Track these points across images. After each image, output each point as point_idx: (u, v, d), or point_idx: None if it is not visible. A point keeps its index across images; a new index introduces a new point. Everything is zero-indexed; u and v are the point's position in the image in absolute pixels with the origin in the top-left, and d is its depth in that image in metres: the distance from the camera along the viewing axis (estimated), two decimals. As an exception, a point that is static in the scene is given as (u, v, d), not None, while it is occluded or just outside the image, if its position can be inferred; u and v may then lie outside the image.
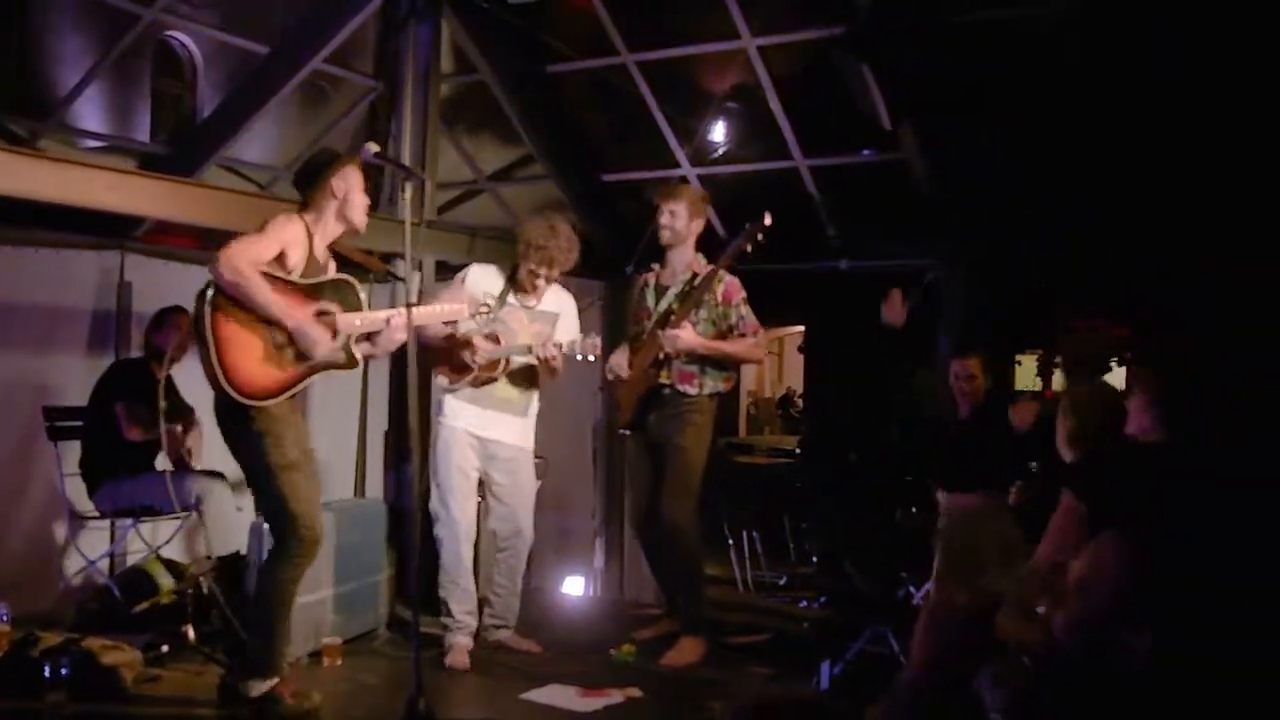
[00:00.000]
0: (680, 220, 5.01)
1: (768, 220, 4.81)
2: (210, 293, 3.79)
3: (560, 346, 4.66)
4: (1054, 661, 1.84)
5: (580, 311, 5.13)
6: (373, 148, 4.04)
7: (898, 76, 5.24)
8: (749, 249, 4.87)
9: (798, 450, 9.69)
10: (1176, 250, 6.21)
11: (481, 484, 4.96)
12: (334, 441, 6.76)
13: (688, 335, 4.82)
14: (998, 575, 3.63)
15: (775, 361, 16.82)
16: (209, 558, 5.11)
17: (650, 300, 5.15)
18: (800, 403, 13.26)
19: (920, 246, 6.30)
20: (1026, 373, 11.58)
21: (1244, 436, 2.79)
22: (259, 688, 3.96)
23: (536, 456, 5.26)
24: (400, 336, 4.04)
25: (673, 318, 4.94)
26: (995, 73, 5.80)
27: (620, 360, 5.19)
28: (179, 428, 5.37)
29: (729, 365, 5.02)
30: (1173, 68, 5.38)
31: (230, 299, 3.79)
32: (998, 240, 6.22)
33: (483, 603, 4.98)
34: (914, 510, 5.56)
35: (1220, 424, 2.76)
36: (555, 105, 7.11)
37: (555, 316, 4.92)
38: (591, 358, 4.67)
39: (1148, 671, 1.72)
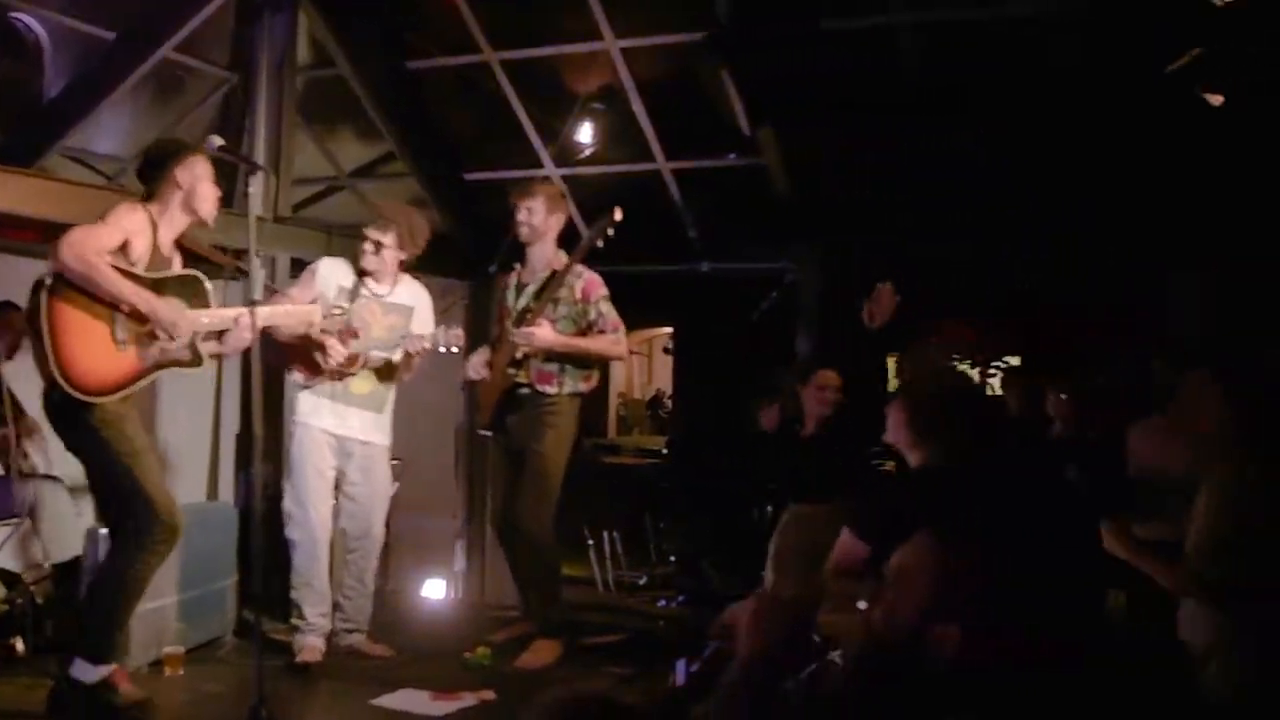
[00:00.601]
0: (538, 216, 4.99)
1: (617, 215, 4.83)
2: (50, 281, 3.65)
3: (424, 339, 4.62)
4: (870, 656, 1.88)
5: (443, 312, 5.08)
6: (216, 140, 3.94)
7: (757, 81, 5.32)
8: (600, 244, 4.88)
9: (665, 451, 9.76)
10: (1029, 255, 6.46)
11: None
12: (187, 442, 6.54)
13: (542, 333, 4.80)
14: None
15: (645, 363, 16.89)
16: (44, 565, 4.89)
17: (510, 299, 5.13)
18: (669, 404, 13.33)
19: (779, 249, 6.41)
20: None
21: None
22: (93, 674, 3.80)
23: (394, 458, 5.18)
24: (249, 335, 3.94)
25: (528, 315, 4.92)
26: (855, 77, 5.95)
27: (479, 360, 5.15)
28: (10, 431, 5.12)
29: (590, 364, 5.02)
30: (1008, 78, 5.60)
31: (73, 289, 3.65)
32: (854, 243, 6.36)
33: (334, 606, 4.88)
34: (770, 510, 5.65)
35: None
36: (418, 102, 7.02)
37: (410, 310, 4.87)
38: (455, 349, 4.63)
39: (956, 664, 1.77)
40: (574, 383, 4.97)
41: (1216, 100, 4.79)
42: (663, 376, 15.74)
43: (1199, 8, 4.52)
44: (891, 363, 11.24)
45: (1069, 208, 6.16)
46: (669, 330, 12.24)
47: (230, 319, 3.99)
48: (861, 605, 1.91)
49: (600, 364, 5.18)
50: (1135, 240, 6.18)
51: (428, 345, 4.63)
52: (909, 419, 3.02)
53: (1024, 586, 1.79)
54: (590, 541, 6.82)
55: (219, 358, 4.32)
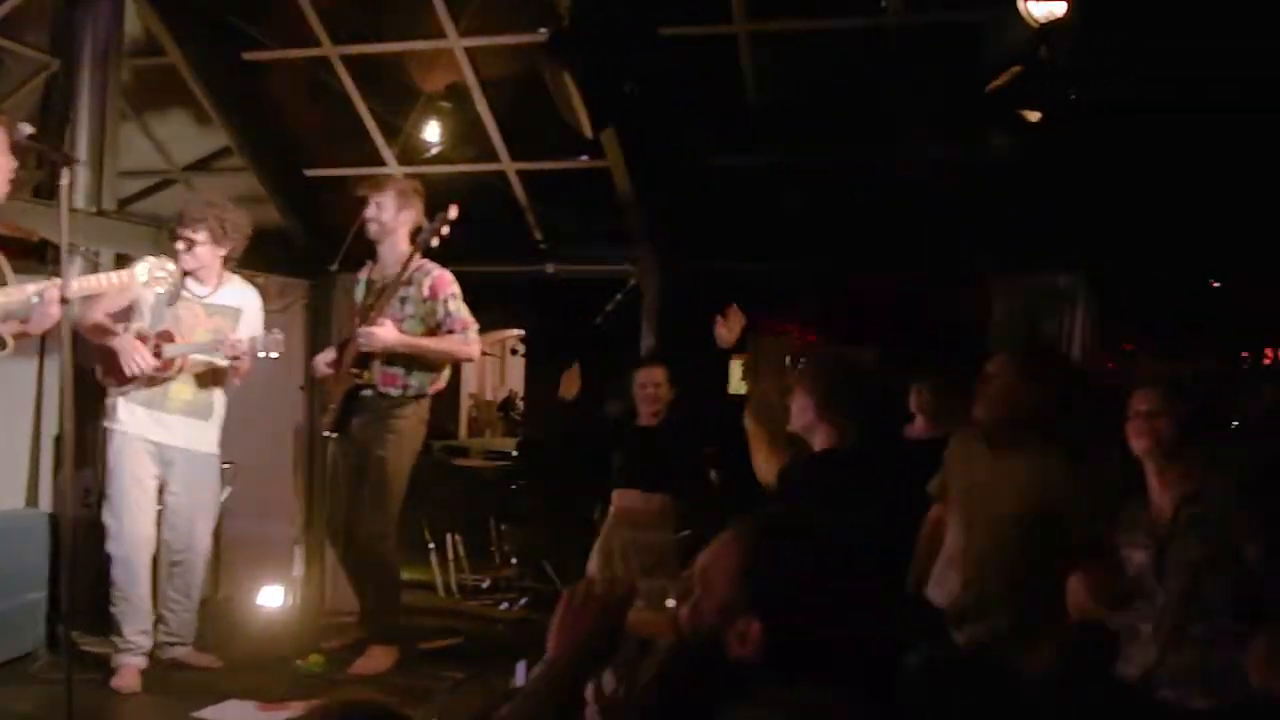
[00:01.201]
0: (387, 212, 4.91)
1: (452, 214, 4.79)
2: None
3: (241, 343, 4.46)
4: (679, 656, 1.89)
5: (281, 311, 4.94)
6: (26, 129, 3.75)
7: (600, 83, 5.33)
8: (434, 243, 4.82)
9: (515, 453, 9.70)
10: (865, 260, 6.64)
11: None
12: (6, 445, 6.19)
13: (383, 332, 4.71)
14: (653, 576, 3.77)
15: (498, 364, 16.77)
16: None
17: (361, 295, 5.03)
18: (521, 405, 13.26)
19: (623, 252, 6.44)
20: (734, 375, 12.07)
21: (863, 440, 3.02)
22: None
23: (225, 462, 5.01)
24: (55, 312, 3.74)
25: (371, 314, 4.82)
26: (699, 84, 6.03)
27: (323, 359, 5.04)
28: None
29: (437, 364, 4.94)
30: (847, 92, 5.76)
31: None
32: (699, 246, 6.44)
33: (158, 619, 4.69)
34: (609, 510, 5.67)
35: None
36: (256, 95, 6.80)
37: (237, 312, 4.70)
38: (274, 354, 4.49)
39: (760, 660, 1.79)
40: (420, 384, 4.89)
41: (1034, 117, 5.01)
42: (516, 378, 15.65)
43: (1019, 26, 4.71)
44: (736, 364, 11.39)
45: (903, 210, 6.37)
46: (519, 332, 12.19)
47: (29, 295, 3.78)
48: (670, 603, 1.92)
49: (449, 365, 5.11)
50: (966, 241, 6.43)
51: (245, 350, 4.46)
52: (811, 401, 3.07)
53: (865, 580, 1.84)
54: (432, 545, 6.72)
55: (23, 337, 4.07)
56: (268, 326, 4.74)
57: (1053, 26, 4.71)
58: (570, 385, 5.30)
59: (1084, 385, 3.58)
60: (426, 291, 4.84)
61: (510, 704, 1.93)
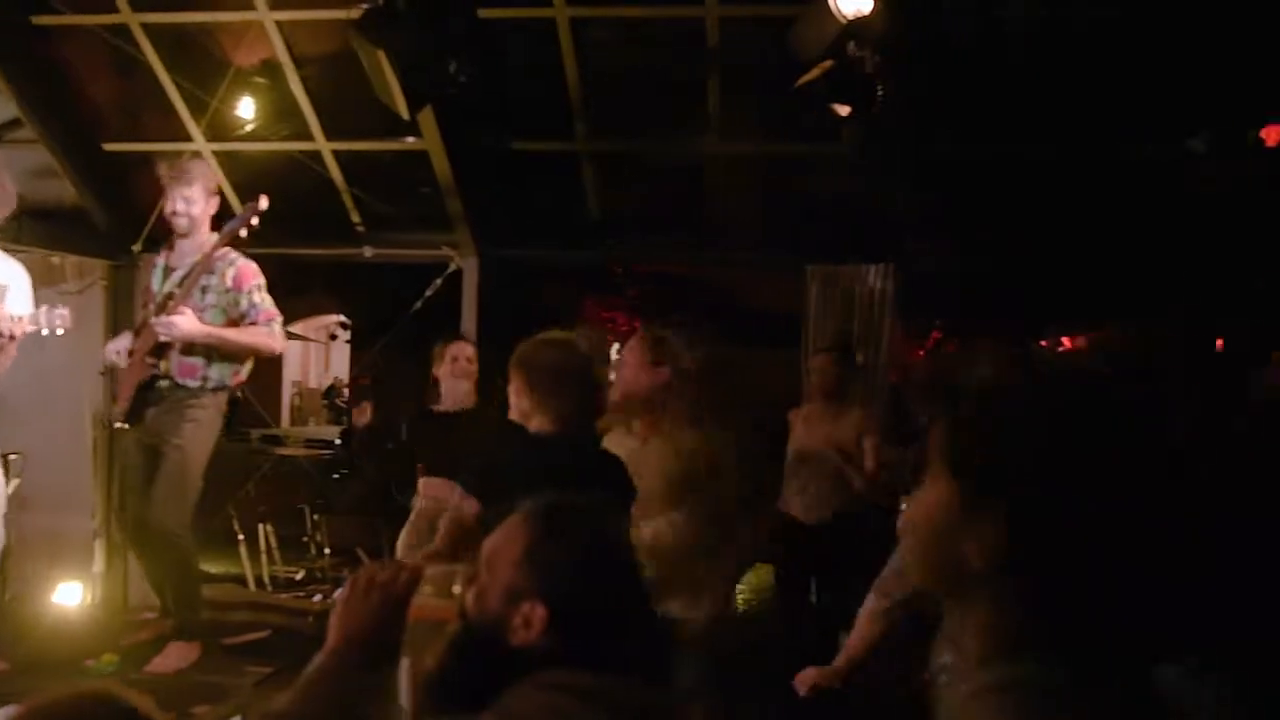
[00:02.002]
0: (197, 207, 4.70)
1: (263, 204, 4.61)
2: None
3: (20, 320, 4.17)
4: (464, 641, 1.87)
5: (78, 293, 4.66)
6: None
7: (416, 63, 5.23)
8: (243, 233, 4.64)
9: (339, 441, 9.46)
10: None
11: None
12: None
13: (184, 322, 4.51)
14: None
15: (322, 350, 16.34)
16: None
17: (156, 282, 4.79)
18: (345, 393, 12.96)
19: (441, 237, 6.35)
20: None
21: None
22: None
23: (10, 453, 4.71)
24: None
25: (170, 303, 4.61)
26: (519, 68, 5.99)
27: (118, 346, 4.79)
28: None
29: (239, 356, 4.75)
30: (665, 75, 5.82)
31: None
32: (520, 231, 6.41)
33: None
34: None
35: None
36: (50, 62, 6.41)
37: (3, 289, 4.40)
38: (60, 330, 4.22)
39: (544, 644, 1.79)
40: (220, 376, 4.70)
41: (844, 111, 5.16)
42: (341, 365, 15.28)
43: (829, 21, 4.84)
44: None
45: (724, 201, 6.49)
46: (344, 318, 11.89)
47: None
48: (456, 589, 1.90)
49: (251, 357, 4.92)
50: (785, 232, 6.59)
51: (26, 328, 4.17)
52: (526, 386, 3.07)
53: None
54: (241, 537, 6.49)
55: None
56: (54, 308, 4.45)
57: (861, 23, 4.86)
58: (361, 416, 5.16)
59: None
60: (230, 282, 4.65)
61: (287, 696, 1.87)
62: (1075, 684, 1.06)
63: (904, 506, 3.05)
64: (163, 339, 4.54)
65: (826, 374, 5.18)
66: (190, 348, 4.60)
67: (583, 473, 3.07)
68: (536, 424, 3.11)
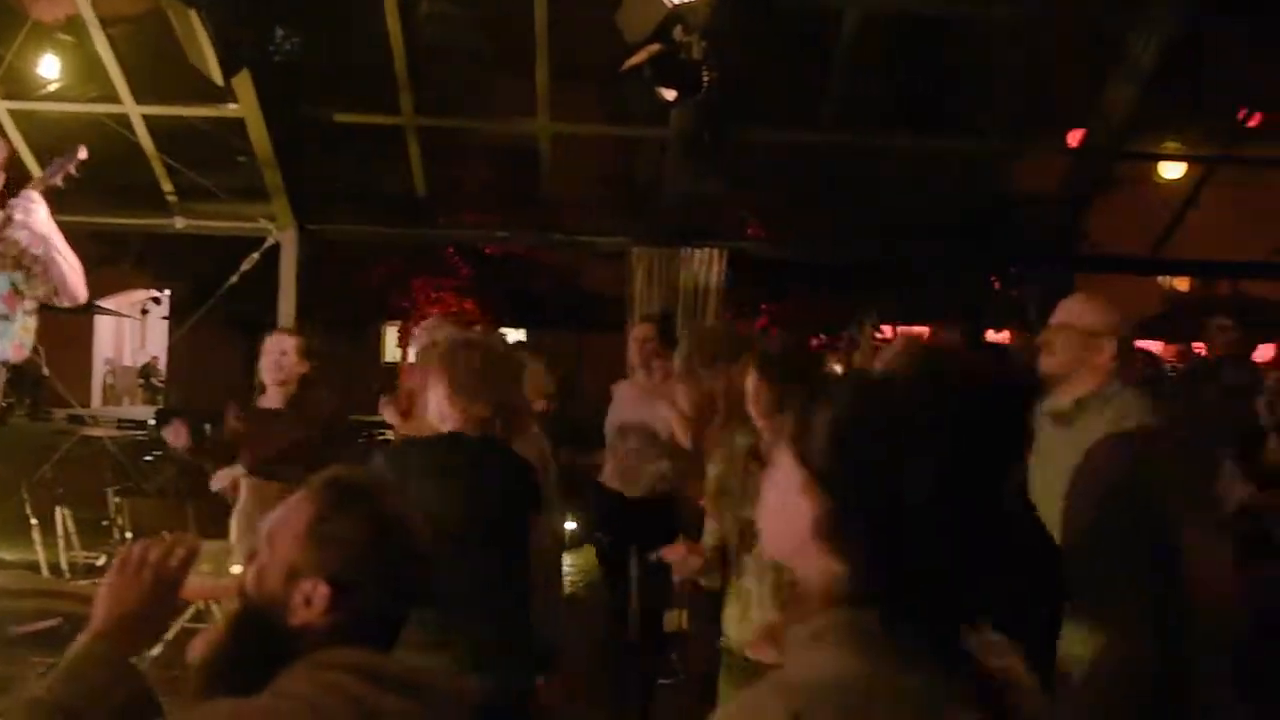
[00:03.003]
0: None
1: (82, 154, 4.30)
2: None
3: None
4: (244, 620, 1.80)
5: None
6: None
7: (232, 26, 5.01)
8: (59, 183, 4.33)
9: (152, 421, 9.05)
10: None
11: None
12: None
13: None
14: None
15: (138, 327, 15.60)
16: None
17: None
18: (162, 371, 12.44)
19: (259, 209, 6.11)
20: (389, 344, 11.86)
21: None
22: None
23: None
24: None
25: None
26: (340, 33, 5.81)
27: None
28: None
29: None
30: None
31: None
32: (343, 206, 6.24)
33: None
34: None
35: None
36: None
37: None
38: None
39: (326, 623, 1.74)
40: (-6, 350, 4.38)
41: (670, 95, 5.18)
42: (158, 342, 14.61)
43: (655, 5, 4.85)
44: (391, 330, 11.21)
45: (558, 184, 6.45)
46: (158, 293, 11.39)
47: None
48: (236, 569, 1.82)
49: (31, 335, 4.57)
50: (614, 216, 6.60)
51: None
52: (448, 388, 3.00)
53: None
54: (35, 521, 6.12)
55: None
56: None
57: (687, 8, 4.89)
58: (178, 436, 4.80)
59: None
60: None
61: (47, 681, 1.76)
62: (886, 629, 1.17)
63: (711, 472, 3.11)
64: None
65: (647, 344, 5.10)
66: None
67: (485, 475, 3.03)
68: (451, 425, 3.04)
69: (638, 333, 5.23)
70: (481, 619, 2.83)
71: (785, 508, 1.27)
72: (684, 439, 4.36)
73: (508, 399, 3.22)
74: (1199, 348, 5.17)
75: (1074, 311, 2.88)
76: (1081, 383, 2.82)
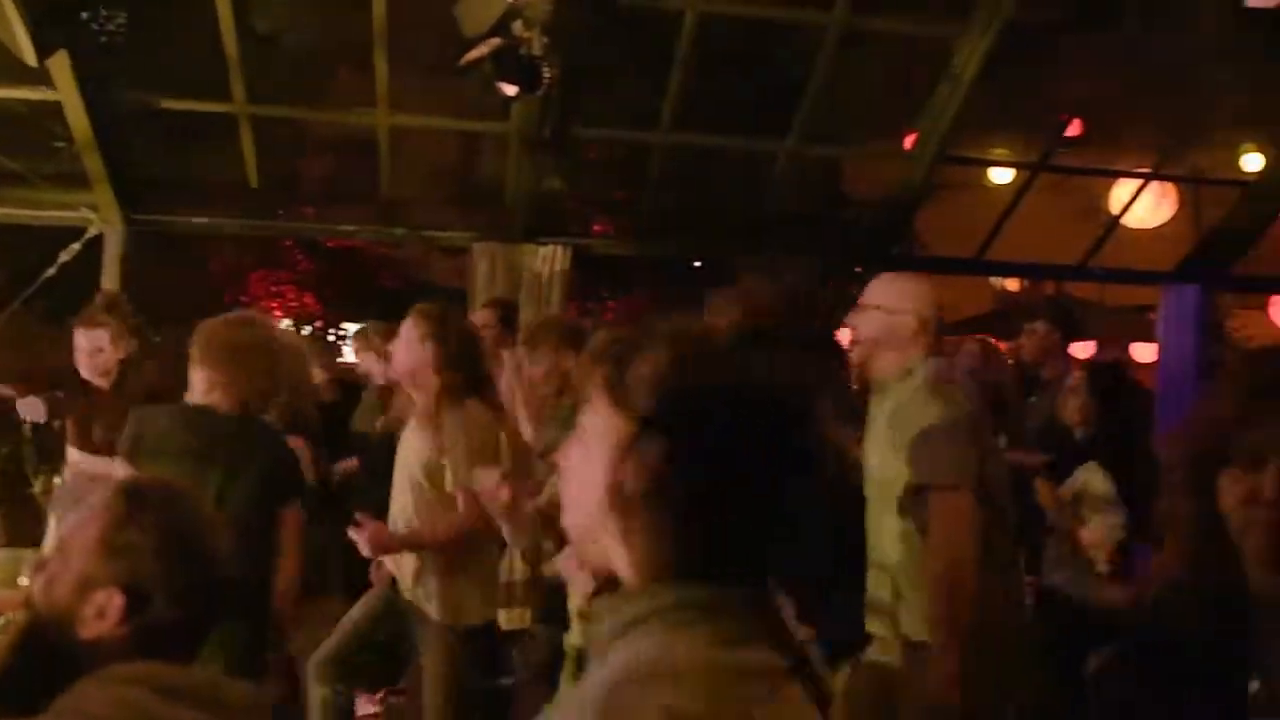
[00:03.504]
0: None
1: None
2: None
3: None
4: (28, 632, 1.73)
5: None
6: None
7: (46, 5, 4.76)
8: None
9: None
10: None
11: None
12: None
13: None
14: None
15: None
16: None
17: None
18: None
19: (81, 197, 5.81)
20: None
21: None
22: None
23: None
24: None
25: None
26: (167, 16, 5.59)
27: None
28: None
29: None
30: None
31: None
32: (169, 196, 6.00)
33: None
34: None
35: None
36: None
37: None
38: None
39: (120, 635, 1.70)
40: None
41: (511, 91, 5.15)
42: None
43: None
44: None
45: (400, 178, 6.35)
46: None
47: None
48: (23, 580, 1.74)
49: None
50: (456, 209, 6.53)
51: None
52: (203, 364, 2.95)
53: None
54: None
55: None
56: None
57: (526, 2, 4.86)
58: (34, 410, 4.57)
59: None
60: None
61: None
62: (715, 605, 1.12)
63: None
64: None
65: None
66: None
67: (242, 449, 3.00)
68: (213, 401, 3.01)
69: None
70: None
71: (599, 472, 1.17)
72: (527, 433, 4.36)
73: (265, 382, 3.20)
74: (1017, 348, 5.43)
75: (878, 294, 3.08)
76: (891, 357, 3.01)
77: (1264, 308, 9.01)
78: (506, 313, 5.29)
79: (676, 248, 7.37)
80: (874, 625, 3.10)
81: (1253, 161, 7.72)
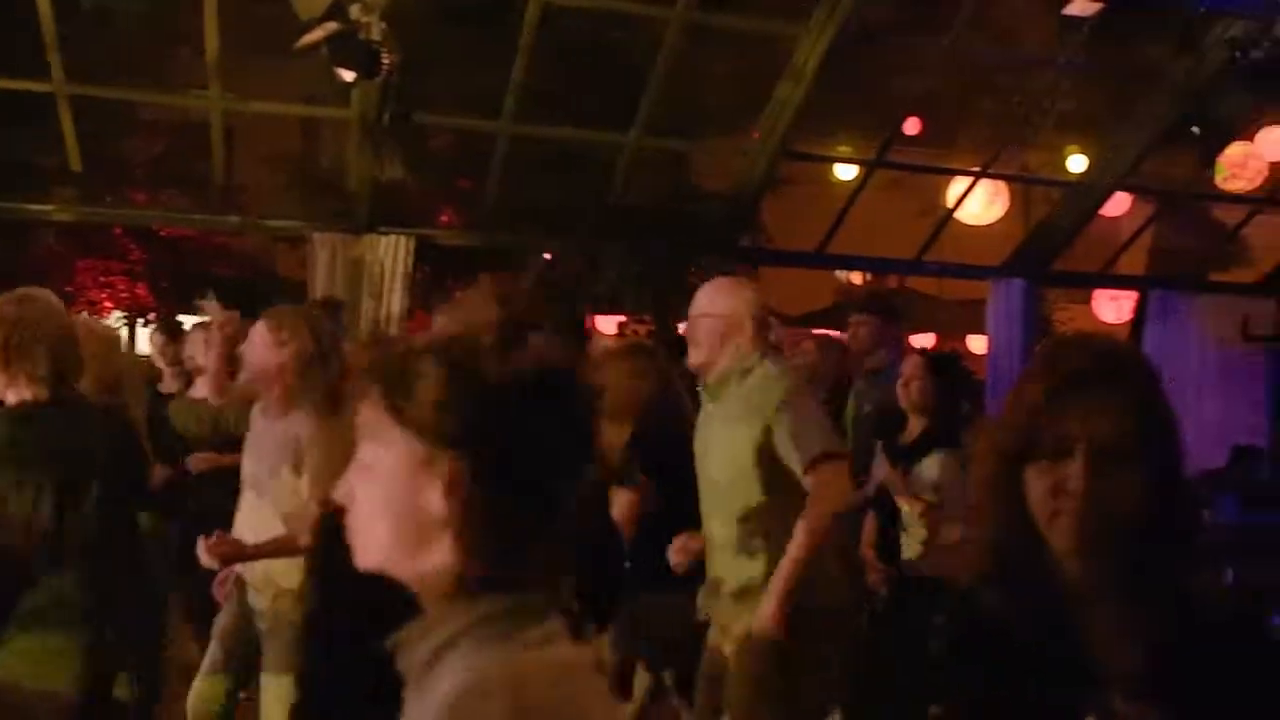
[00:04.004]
0: None
1: None
2: None
3: None
4: None
5: None
6: None
7: None
8: None
9: None
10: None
11: None
12: None
13: None
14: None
15: None
16: None
17: None
18: None
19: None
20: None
21: None
22: None
23: None
24: None
25: None
26: None
27: None
28: None
29: None
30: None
31: None
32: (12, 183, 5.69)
33: None
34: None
35: None
36: None
37: None
38: None
39: None
40: None
41: (349, 77, 5.03)
42: None
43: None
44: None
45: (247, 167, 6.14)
46: None
47: None
48: None
49: None
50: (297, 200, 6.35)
51: None
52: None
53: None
54: None
55: None
56: None
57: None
58: None
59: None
60: None
61: None
62: (519, 612, 1.10)
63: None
64: None
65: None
66: None
67: (84, 440, 2.82)
68: (14, 395, 2.79)
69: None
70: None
71: (393, 499, 1.13)
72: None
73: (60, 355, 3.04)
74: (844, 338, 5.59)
75: (707, 302, 3.13)
76: (727, 359, 3.06)
77: (1089, 302, 9.46)
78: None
79: (522, 239, 7.32)
80: (711, 609, 3.14)
81: (1077, 163, 8.10)
